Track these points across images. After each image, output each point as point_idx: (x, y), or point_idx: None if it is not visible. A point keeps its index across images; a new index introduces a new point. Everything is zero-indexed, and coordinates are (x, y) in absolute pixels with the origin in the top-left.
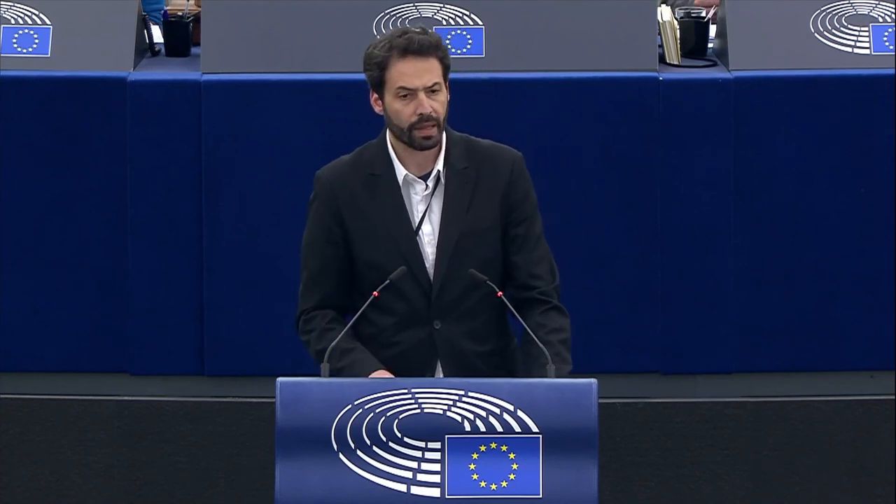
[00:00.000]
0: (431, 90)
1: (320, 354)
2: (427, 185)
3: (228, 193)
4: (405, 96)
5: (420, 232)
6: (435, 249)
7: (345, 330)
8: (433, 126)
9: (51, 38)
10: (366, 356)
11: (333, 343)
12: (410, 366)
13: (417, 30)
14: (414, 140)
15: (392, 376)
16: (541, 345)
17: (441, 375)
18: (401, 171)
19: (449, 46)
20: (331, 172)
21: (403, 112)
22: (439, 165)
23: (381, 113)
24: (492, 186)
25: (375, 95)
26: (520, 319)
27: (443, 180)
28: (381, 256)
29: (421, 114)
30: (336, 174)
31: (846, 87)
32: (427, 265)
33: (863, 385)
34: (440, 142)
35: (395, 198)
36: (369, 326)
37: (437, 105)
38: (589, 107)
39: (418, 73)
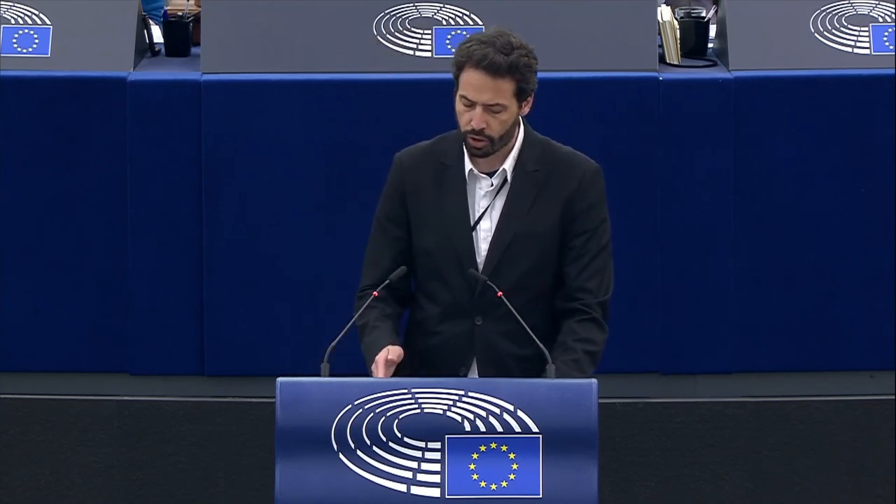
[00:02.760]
0: (491, 109)
1: (359, 330)
2: (492, 183)
3: (228, 193)
4: (466, 105)
5: (478, 227)
6: (489, 246)
7: (347, 327)
8: (484, 141)
9: (51, 38)
10: (384, 335)
11: (334, 343)
12: (448, 358)
13: (505, 45)
14: (466, 144)
15: (396, 350)
16: (541, 345)
17: (476, 372)
18: (468, 165)
19: (449, 46)
20: (406, 156)
21: (462, 118)
22: (507, 164)
23: None
24: (557, 193)
25: (455, 86)
26: (520, 321)
27: (509, 179)
28: (434, 245)
29: (472, 127)
30: (410, 158)
31: (846, 87)
32: (479, 260)
33: (863, 385)
34: (492, 153)
35: (458, 190)
36: (419, 312)
37: (495, 123)
38: (589, 107)
39: (482, 89)
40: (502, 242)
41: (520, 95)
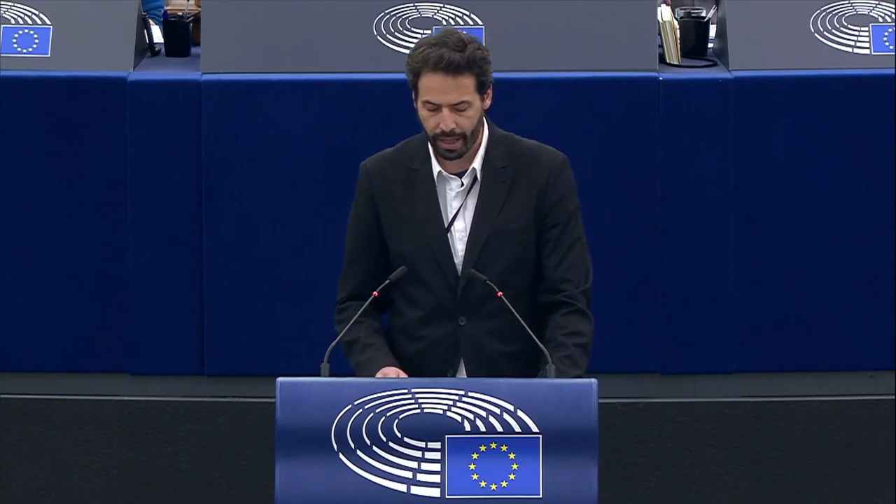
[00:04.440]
0: (457, 108)
1: (347, 346)
2: (462, 182)
3: (228, 193)
4: (431, 109)
5: (452, 228)
6: (465, 246)
7: (347, 326)
8: (456, 140)
9: (51, 38)
10: (381, 353)
11: (334, 344)
12: (435, 360)
13: (458, 42)
14: (438, 149)
15: (402, 373)
16: (540, 345)
17: (464, 372)
18: (436, 167)
19: None
20: (371, 163)
21: (428, 122)
22: (476, 163)
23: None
24: (528, 187)
25: (413, 93)
26: (520, 320)
27: (479, 178)
28: (411, 249)
29: (442, 129)
30: (376, 166)
31: (846, 87)
32: (456, 261)
33: (863, 385)
34: (465, 152)
35: (429, 193)
36: (399, 319)
37: (464, 121)
38: (589, 107)
39: (445, 90)
40: (478, 241)
41: (480, 89)
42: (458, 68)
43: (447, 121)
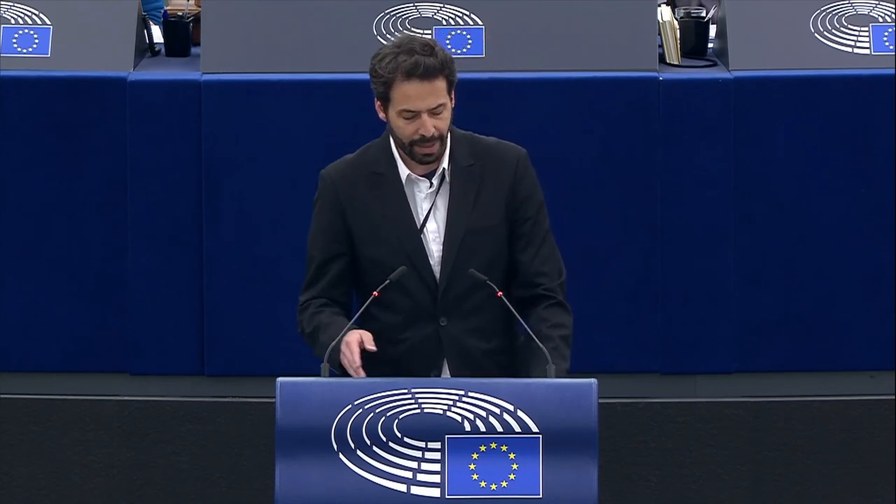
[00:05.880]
0: (434, 112)
1: (310, 336)
2: (431, 183)
3: (228, 193)
4: (409, 117)
5: (425, 229)
6: (441, 247)
7: (347, 327)
8: (434, 144)
9: (51, 38)
10: (344, 324)
11: (334, 343)
12: (418, 362)
13: (424, 46)
14: (415, 155)
15: (366, 335)
16: (540, 344)
17: (448, 373)
18: (404, 170)
19: (449, 46)
20: (334, 170)
21: (406, 129)
22: (444, 163)
23: (385, 120)
24: (497, 183)
25: (380, 103)
26: (519, 319)
27: (447, 178)
28: (385, 254)
29: (423, 135)
30: (339, 172)
31: (846, 87)
32: (432, 263)
33: (863, 385)
34: (441, 153)
35: (398, 196)
36: (375, 324)
37: (441, 123)
38: (589, 107)
39: (422, 96)
40: (454, 241)
41: (450, 90)
42: (434, 72)
43: (427, 126)
